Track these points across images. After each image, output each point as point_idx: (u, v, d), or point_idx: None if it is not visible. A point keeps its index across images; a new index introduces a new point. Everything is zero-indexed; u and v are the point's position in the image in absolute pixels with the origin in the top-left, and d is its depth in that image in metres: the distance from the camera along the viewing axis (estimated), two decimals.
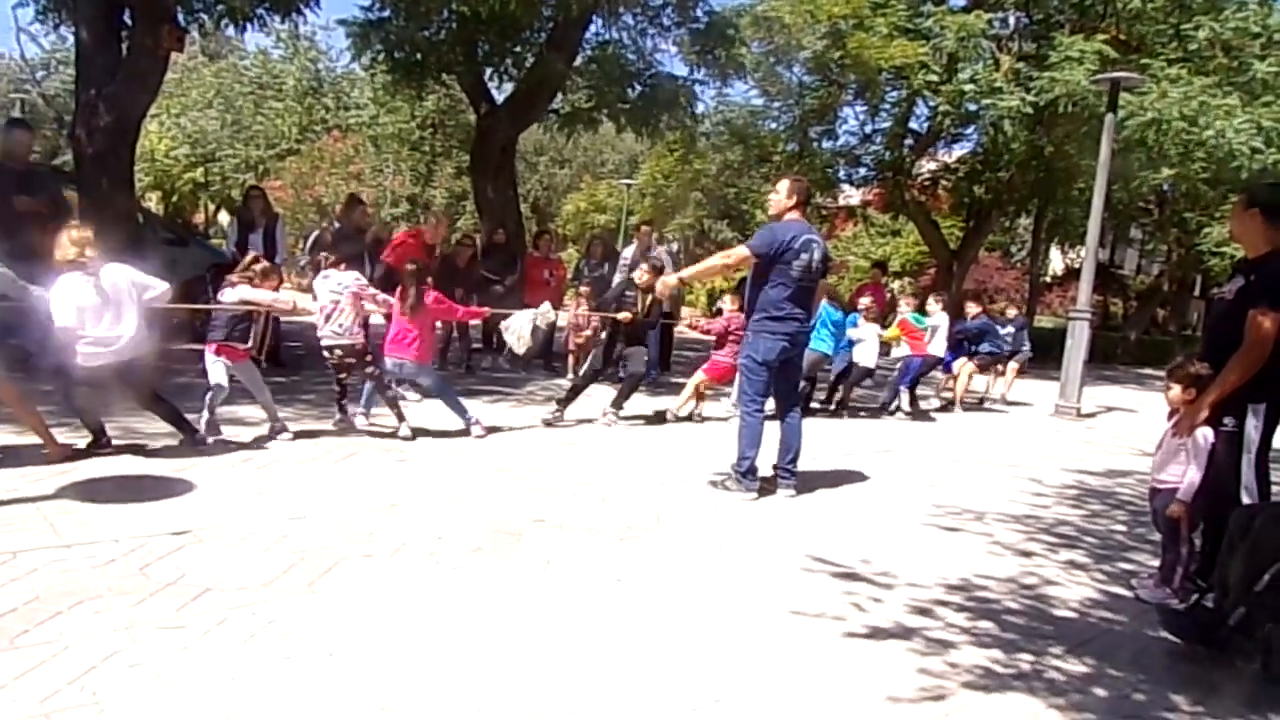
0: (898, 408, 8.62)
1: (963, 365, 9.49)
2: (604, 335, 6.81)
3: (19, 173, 6.58)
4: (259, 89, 27.65)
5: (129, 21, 7.81)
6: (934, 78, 12.82)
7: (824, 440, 6.77)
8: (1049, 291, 27.12)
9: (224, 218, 27.65)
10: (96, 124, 7.64)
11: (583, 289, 9.50)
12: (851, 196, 19.62)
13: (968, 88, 12.59)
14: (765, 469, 4.99)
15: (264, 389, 5.34)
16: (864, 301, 8.68)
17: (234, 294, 5.10)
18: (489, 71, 11.78)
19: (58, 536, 3.31)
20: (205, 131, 27.34)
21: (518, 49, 11.36)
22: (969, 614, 3.36)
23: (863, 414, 8.60)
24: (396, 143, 24.93)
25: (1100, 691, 2.79)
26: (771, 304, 4.78)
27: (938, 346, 8.80)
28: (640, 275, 6.82)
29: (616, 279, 9.60)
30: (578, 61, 11.50)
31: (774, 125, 16.06)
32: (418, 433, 5.63)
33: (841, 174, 16.58)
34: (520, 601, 3.08)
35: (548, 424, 6.43)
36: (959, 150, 17.34)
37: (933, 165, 17.84)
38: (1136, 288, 28.26)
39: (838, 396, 8.51)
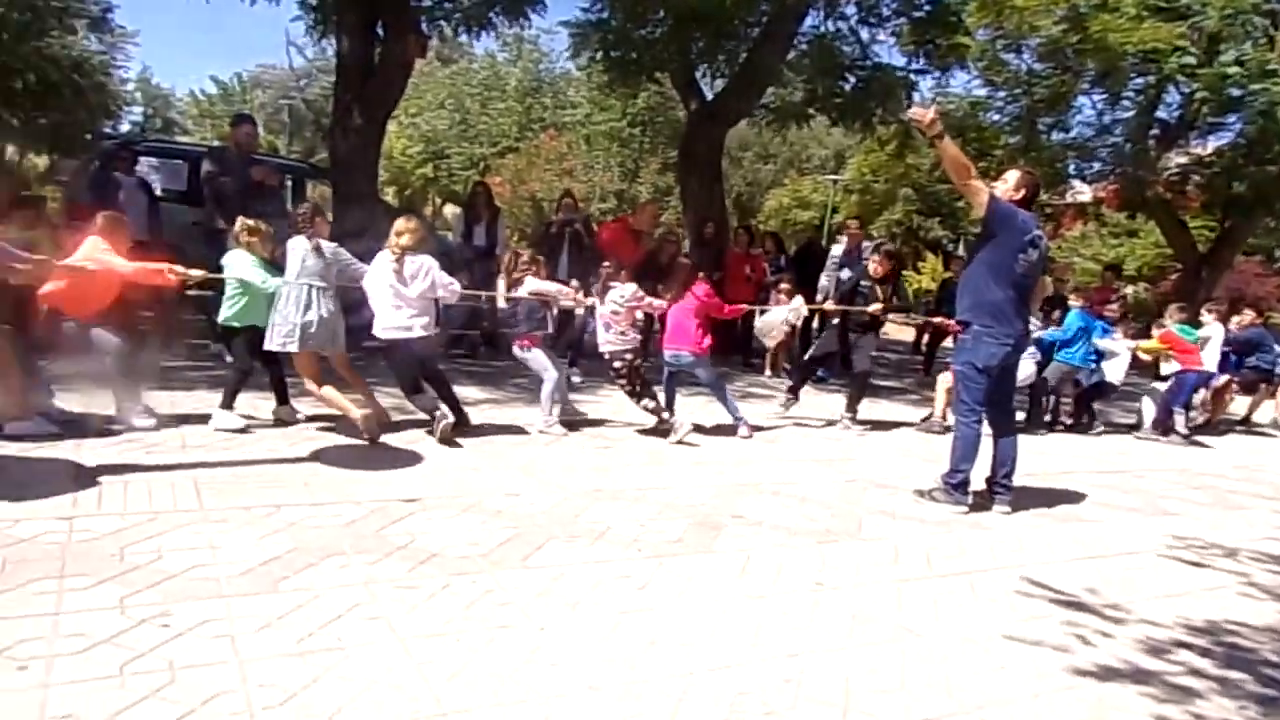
0: (1170, 429, 7.78)
1: (1224, 381, 8.45)
2: (834, 323, 6.82)
3: (251, 158, 7.31)
4: (485, 90, 29.53)
5: (380, 32, 8.60)
6: (1191, 60, 11.47)
7: (1047, 456, 6.30)
8: None
9: (448, 210, 29.83)
10: (350, 125, 8.47)
11: (784, 285, 9.39)
12: (1082, 193, 18.01)
13: (1232, 71, 11.15)
14: (978, 482, 4.71)
15: (556, 377, 5.54)
16: (1109, 308, 7.97)
17: (525, 288, 5.52)
18: (701, 68, 11.89)
19: (311, 495, 3.71)
20: (437, 131, 29.60)
21: (731, 45, 11.37)
22: (1216, 661, 3.00)
23: (1097, 430, 7.88)
24: (607, 139, 25.78)
25: None
26: (994, 305, 4.47)
27: (1209, 360, 7.89)
28: (874, 266, 6.70)
29: (823, 279, 9.43)
30: (790, 55, 11.34)
31: (997, 117, 15.04)
32: (613, 423, 5.84)
33: (1072, 169, 15.25)
34: (720, 596, 3.09)
35: (784, 406, 6.69)
36: (1215, 141, 15.44)
37: (1183, 159, 16.00)
38: None
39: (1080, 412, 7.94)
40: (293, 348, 4.61)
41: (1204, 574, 3.99)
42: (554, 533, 3.56)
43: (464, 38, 11.79)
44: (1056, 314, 7.54)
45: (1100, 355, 7.55)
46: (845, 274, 8.92)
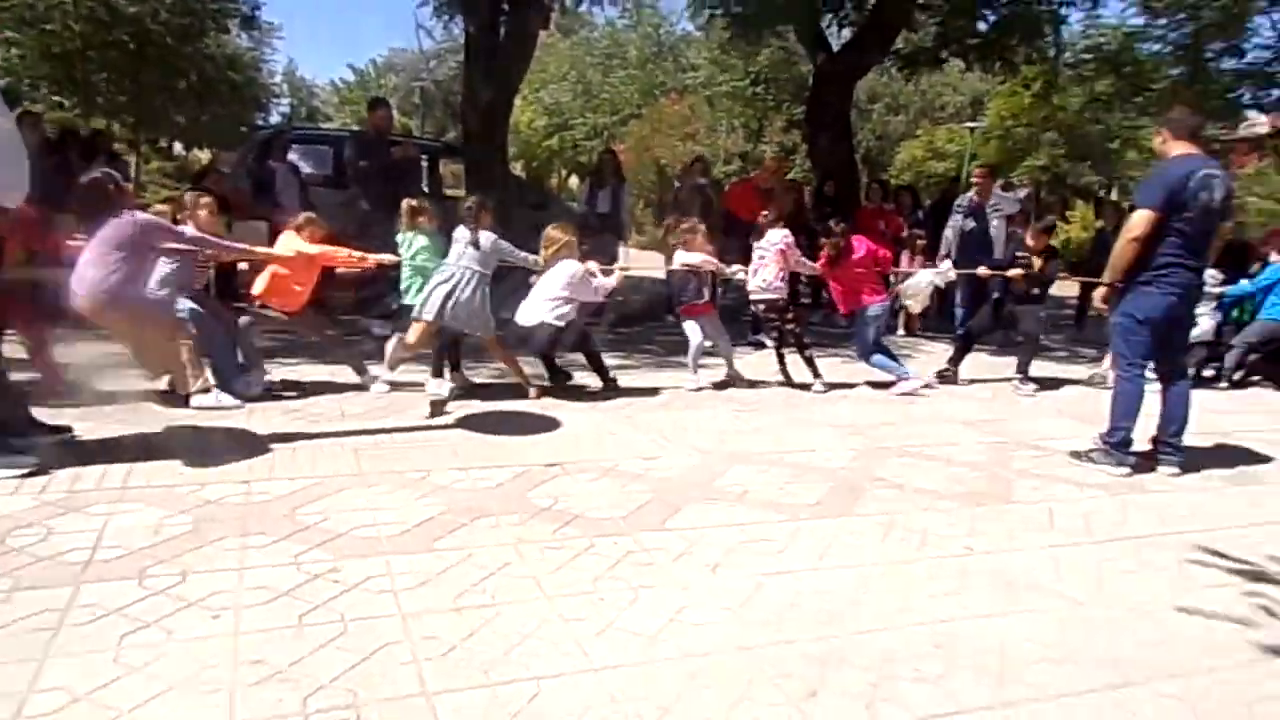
0: None
1: None
2: (998, 295, 6.58)
3: (389, 140, 7.62)
4: (606, 59, 29.63)
5: (505, 8, 8.74)
6: None
7: (1224, 414, 5.81)
8: None
9: (573, 181, 30.26)
10: (479, 102, 8.69)
11: (919, 240, 9.01)
12: (1259, 124, 16.35)
13: None
14: (1141, 442, 4.41)
15: (726, 339, 5.94)
16: None
17: (676, 260, 5.86)
18: (827, 18, 11.48)
19: (459, 460, 3.88)
20: (560, 103, 29.98)
21: None
22: None
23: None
24: (730, 100, 25.38)
25: None
26: (1158, 253, 4.14)
27: None
28: (1030, 238, 6.43)
29: (948, 230, 9.00)
30: None
31: (1157, 47, 13.81)
32: (755, 383, 5.82)
33: (1247, 98, 13.82)
34: (863, 560, 3.03)
35: (941, 379, 6.32)
36: None
37: None
38: None
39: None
40: (428, 318, 4.85)
41: None
42: (692, 495, 3.59)
43: (584, 7, 11.85)
44: (1256, 267, 7.02)
45: None
46: (970, 224, 8.51)
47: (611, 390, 5.46)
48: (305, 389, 4.99)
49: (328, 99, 41.54)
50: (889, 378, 5.94)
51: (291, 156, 8.27)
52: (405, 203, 5.32)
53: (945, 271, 6.59)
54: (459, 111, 9.51)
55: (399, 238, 5.28)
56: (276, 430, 4.15)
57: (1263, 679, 2.39)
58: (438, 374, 5.18)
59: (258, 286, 4.96)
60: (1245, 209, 21.78)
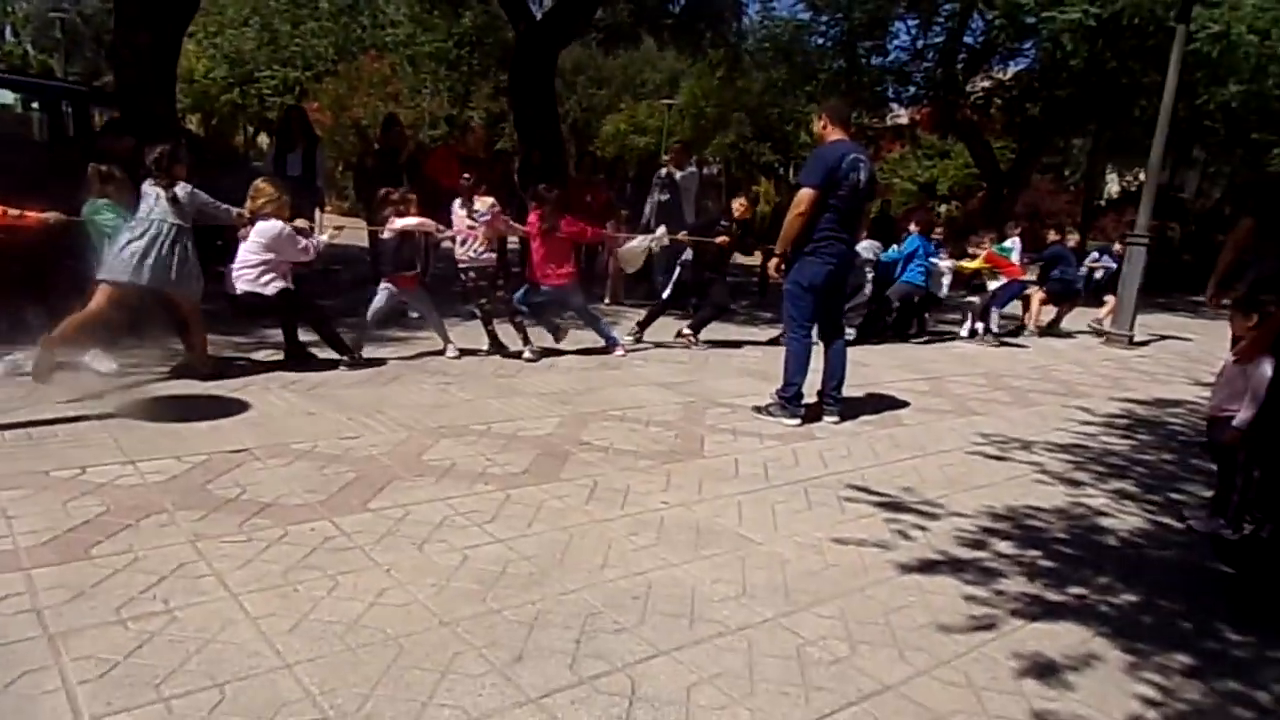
0: (988, 329, 8.90)
1: (1034, 292, 9.67)
2: (688, 260, 7.02)
3: None
4: (295, 7, 27.22)
5: None
6: None
7: (872, 367, 6.71)
8: (1104, 216, 26.19)
9: (263, 140, 27.65)
10: (137, 42, 7.58)
11: (622, 212, 9.43)
12: (900, 116, 18.95)
13: None
14: (811, 395, 4.98)
15: (434, 311, 5.75)
16: (937, 233, 8.98)
17: (391, 227, 5.52)
18: None
19: (122, 453, 3.42)
20: (242, 52, 27.07)
21: None
22: (1016, 543, 3.35)
23: (923, 339, 8.50)
24: (434, 62, 24.53)
25: (1149, 620, 2.78)
26: (818, 227, 4.68)
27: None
28: (738, 207, 6.96)
29: (647, 205, 9.53)
30: None
31: (820, 41, 15.45)
32: (463, 353, 5.76)
33: (890, 93, 15.98)
34: (568, 523, 3.13)
35: (633, 344, 6.63)
36: (1015, 67, 16.61)
37: (986, 83, 17.12)
38: (1196, 212, 27.14)
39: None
40: (119, 279, 4.28)
41: (1005, 466, 4.43)
42: (397, 473, 3.47)
43: None
44: (904, 236, 8.38)
45: (928, 273, 8.29)
46: (665, 197, 9.17)
47: (358, 364, 5.22)
48: None
49: None
50: (600, 344, 6.30)
51: None
52: (93, 167, 4.67)
53: (660, 237, 7.06)
54: (112, 52, 8.21)
55: (85, 208, 4.64)
56: None
57: (898, 592, 2.83)
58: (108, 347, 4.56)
59: None
60: (893, 189, 25.31)
